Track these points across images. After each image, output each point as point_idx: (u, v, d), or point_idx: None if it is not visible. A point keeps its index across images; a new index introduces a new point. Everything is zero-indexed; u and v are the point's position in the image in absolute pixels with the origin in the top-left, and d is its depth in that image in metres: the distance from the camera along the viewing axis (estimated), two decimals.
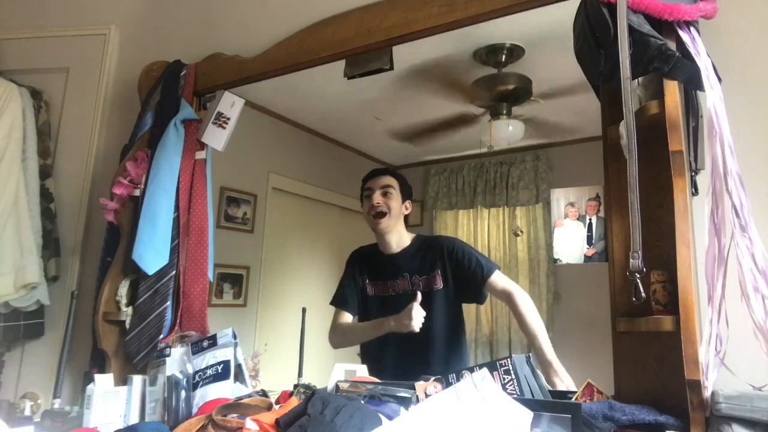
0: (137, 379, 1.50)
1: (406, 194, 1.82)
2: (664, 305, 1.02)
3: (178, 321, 1.64)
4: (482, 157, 2.36)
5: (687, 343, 0.92)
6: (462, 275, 1.65)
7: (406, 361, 1.61)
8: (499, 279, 1.61)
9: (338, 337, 1.75)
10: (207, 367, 1.45)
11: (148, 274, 1.64)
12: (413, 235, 1.80)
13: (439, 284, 1.67)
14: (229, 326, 1.51)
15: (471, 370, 1.13)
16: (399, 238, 1.77)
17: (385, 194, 1.76)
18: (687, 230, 0.96)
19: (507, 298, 1.57)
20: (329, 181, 2.57)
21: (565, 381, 1.33)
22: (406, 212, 1.82)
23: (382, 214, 1.74)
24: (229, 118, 1.74)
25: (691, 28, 1.02)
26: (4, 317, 1.89)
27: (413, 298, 1.58)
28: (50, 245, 1.99)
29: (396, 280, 1.73)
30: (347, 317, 1.77)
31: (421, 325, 1.50)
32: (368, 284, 1.78)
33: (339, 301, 1.80)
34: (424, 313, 1.48)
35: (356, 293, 1.80)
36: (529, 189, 2.29)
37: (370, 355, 1.72)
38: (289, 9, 1.78)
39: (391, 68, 1.57)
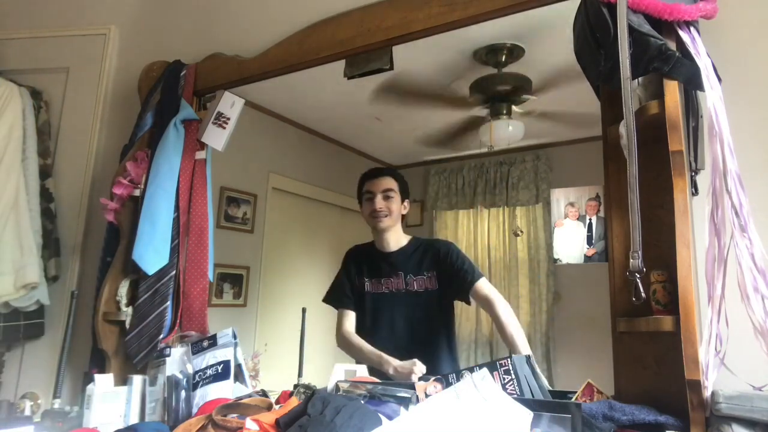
0: (137, 379, 1.50)
1: (405, 194, 1.83)
2: (664, 305, 1.02)
3: (178, 321, 1.64)
4: (482, 157, 2.36)
5: (687, 343, 0.92)
6: (453, 276, 1.67)
7: (401, 358, 1.59)
8: (483, 286, 1.63)
9: (343, 343, 1.76)
10: (207, 367, 1.45)
11: (148, 274, 1.64)
12: (410, 237, 1.82)
13: (434, 285, 1.69)
14: (229, 326, 1.51)
15: (471, 370, 1.13)
16: (397, 237, 1.79)
17: (386, 198, 1.77)
18: (687, 230, 0.96)
19: (488, 304, 1.60)
20: (329, 181, 2.57)
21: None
22: (405, 212, 1.83)
23: (384, 216, 1.76)
24: (229, 118, 1.74)
25: (691, 28, 1.02)
26: (4, 317, 1.89)
27: (406, 297, 1.65)
28: (50, 245, 1.99)
29: (391, 278, 1.75)
30: (352, 318, 1.77)
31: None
32: (364, 281, 1.79)
33: (340, 301, 1.80)
34: (424, 370, 1.45)
35: (353, 291, 1.81)
36: (529, 189, 2.29)
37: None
38: (289, 9, 1.78)
39: (391, 68, 1.57)
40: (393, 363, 1.52)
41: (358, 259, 1.85)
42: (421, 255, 1.75)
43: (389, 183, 1.79)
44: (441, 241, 1.85)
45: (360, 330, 1.74)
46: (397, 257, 1.76)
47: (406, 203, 1.83)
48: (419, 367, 1.45)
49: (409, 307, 1.71)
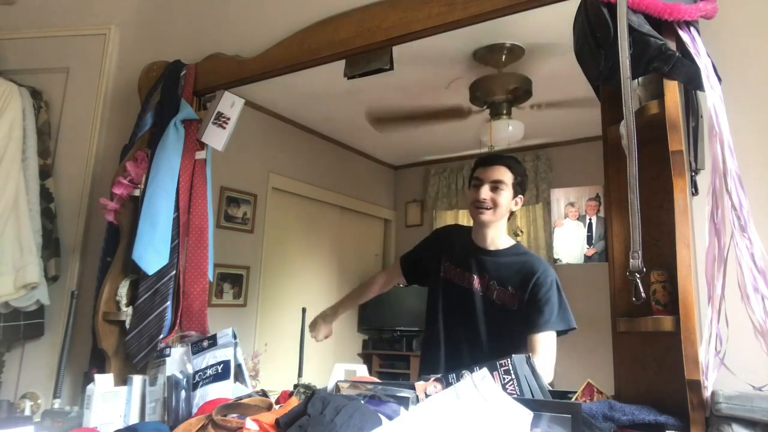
0: (137, 379, 1.50)
1: (519, 189, 1.62)
2: (664, 305, 1.02)
3: (178, 321, 1.64)
4: None
5: (687, 343, 0.92)
6: (530, 306, 1.48)
7: (472, 357, 1.47)
8: (542, 340, 1.42)
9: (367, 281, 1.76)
10: (207, 367, 1.45)
11: (148, 274, 1.64)
12: (513, 242, 1.65)
13: (513, 304, 1.51)
14: (229, 326, 1.51)
15: (471, 370, 1.13)
16: (496, 235, 1.62)
17: (494, 189, 1.58)
18: (687, 230, 0.96)
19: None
20: (329, 181, 2.57)
21: None
22: (515, 209, 1.63)
23: (487, 208, 1.59)
24: (229, 118, 1.74)
25: (691, 28, 1.02)
26: (4, 317, 1.89)
27: (482, 301, 1.50)
28: (50, 245, 1.99)
29: (474, 275, 1.58)
30: (395, 275, 1.73)
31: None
32: (446, 265, 1.65)
33: (408, 259, 1.75)
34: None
35: (426, 268, 1.70)
36: (529, 189, 2.29)
37: (427, 357, 1.67)
38: (289, 9, 1.78)
39: (391, 68, 1.56)
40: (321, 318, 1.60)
41: (450, 241, 1.72)
42: (515, 266, 1.57)
43: (501, 173, 1.59)
44: (544, 264, 1.57)
45: (431, 309, 1.64)
46: (488, 257, 1.60)
47: (518, 199, 1.62)
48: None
49: (486, 313, 1.54)
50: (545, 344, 1.43)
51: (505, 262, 1.59)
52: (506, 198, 1.58)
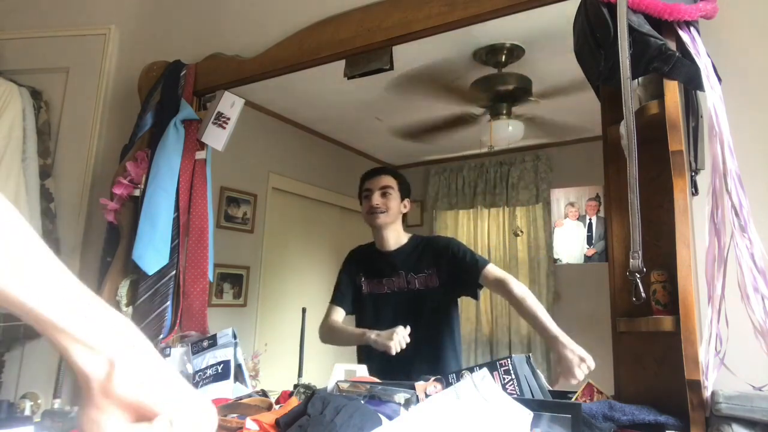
0: None
1: (405, 193, 1.82)
2: (664, 305, 1.02)
3: (178, 321, 1.64)
4: (482, 157, 2.36)
5: (687, 343, 0.92)
6: (458, 269, 1.65)
7: (400, 359, 1.55)
8: (493, 269, 1.61)
9: (325, 332, 1.76)
10: (207, 367, 1.45)
11: (148, 274, 1.65)
12: (410, 235, 1.81)
13: (435, 282, 1.67)
14: (229, 326, 1.51)
15: (471, 370, 1.13)
16: (396, 235, 1.78)
17: (384, 195, 1.77)
18: (687, 230, 0.96)
19: (502, 286, 1.57)
20: (329, 181, 2.57)
21: (576, 351, 1.28)
22: (405, 210, 1.82)
23: (381, 212, 1.76)
24: (229, 118, 1.75)
25: (691, 28, 1.02)
26: (4, 317, 1.89)
27: (407, 296, 1.62)
28: (50, 245, 1.98)
29: (392, 278, 1.74)
30: (339, 313, 1.77)
31: (399, 350, 1.47)
32: (364, 282, 1.79)
33: (333, 298, 1.81)
34: (407, 340, 1.46)
35: (351, 291, 1.81)
36: (529, 189, 2.29)
37: (364, 350, 1.72)
38: (289, 9, 1.78)
39: (391, 68, 1.57)
40: (373, 333, 1.54)
41: (358, 259, 1.85)
42: (420, 252, 1.74)
43: (387, 180, 1.79)
44: (440, 237, 1.83)
45: (364, 323, 1.74)
46: (396, 256, 1.76)
47: (406, 202, 1.82)
48: (401, 330, 1.46)
49: (411, 307, 1.68)
50: (498, 270, 1.60)
51: (411, 252, 1.75)
52: (395, 201, 1.78)
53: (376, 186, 1.78)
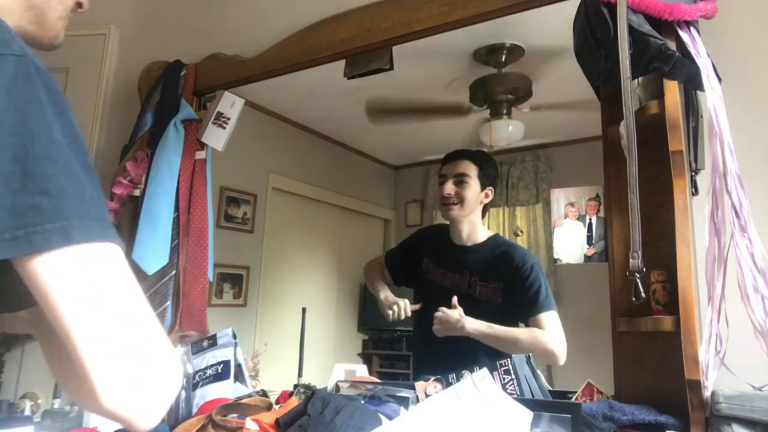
0: None
1: (487, 180, 1.61)
2: (664, 305, 1.02)
3: (178, 321, 1.64)
4: None
5: (687, 343, 0.92)
6: (519, 295, 1.47)
7: (437, 363, 1.41)
8: (546, 320, 1.41)
9: (367, 270, 1.72)
10: (207, 367, 1.44)
11: (148, 274, 1.64)
12: (491, 234, 1.63)
13: (497, 299, 1.50)
14: (229, 326, 1.51)
15: (471, 370, 1.13)
16: (471, 229, 1.61)
17: (459, 183, 1.59)
18: (687, 230, 0.96)
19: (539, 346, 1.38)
20: (329, 181, 2.58)
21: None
22: (486, 201, 1.62)
23: (453, 203, 1.59)
24: (229, 118, 1.75)
25: (691, 28, 1.02)
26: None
27: (465, 300, 1.44)
28: None
29: (455, 274, 1.57)
30: (383, 269, 1.71)
31: (391, 320, 1.40)
32: (426, 264, 1.65)
33: (390, 259, 1.73)
34: (408, 314, 1.38)
35: (409, 267, 1.69)
36: (529, 189, 2.29)
37: (418, 357, 1.69)
38: (289, 9, 1.78)
39: (391, 68, 1.56)
40: (384, 294, 1.50)
41: (428, 239, 1.72)
42: (493, 260, 1.55)
43: (464, 167, 1.60)
44: (524, 253, 1.57)
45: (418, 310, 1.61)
46: (466, 254, 1.58)
47: (488, 191, 1.61)
48: (404, 304, 1.41)
49: (471, 311, 1.47)
50: (551, 322, 1.42)
51: (484, 256, 1.58)
52: (473, 191, 1.58)
53: (451, 173, 1.59)
